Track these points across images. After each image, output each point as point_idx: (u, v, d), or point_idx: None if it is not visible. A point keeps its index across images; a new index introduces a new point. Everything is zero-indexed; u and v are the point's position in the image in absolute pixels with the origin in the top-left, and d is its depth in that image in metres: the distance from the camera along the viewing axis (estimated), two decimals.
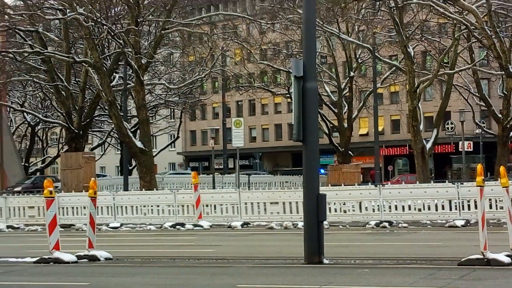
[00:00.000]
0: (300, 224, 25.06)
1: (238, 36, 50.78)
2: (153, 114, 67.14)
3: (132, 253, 19.64)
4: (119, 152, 71.75)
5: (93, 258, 17.62)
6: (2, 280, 14.88)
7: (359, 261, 16.35)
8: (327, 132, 54.96)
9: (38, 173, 74.39)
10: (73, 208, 30.26)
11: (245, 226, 27.65)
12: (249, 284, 13.16)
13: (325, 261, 15.59)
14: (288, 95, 56.79)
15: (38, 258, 17.62)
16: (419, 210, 26.68)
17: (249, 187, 50.46)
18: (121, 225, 29.11)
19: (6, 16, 42.05)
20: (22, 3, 44.90)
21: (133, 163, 56.42)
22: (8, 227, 30.14)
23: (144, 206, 29.96)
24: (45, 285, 13.93)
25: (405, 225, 25.71)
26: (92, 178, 19.99)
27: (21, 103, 68.02)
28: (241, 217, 28.29)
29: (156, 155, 45.85)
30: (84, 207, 29.28)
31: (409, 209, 26.80)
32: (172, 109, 76.80)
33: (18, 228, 30.23)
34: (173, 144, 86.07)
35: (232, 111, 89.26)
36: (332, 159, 71.78)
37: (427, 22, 46.20)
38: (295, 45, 56.47)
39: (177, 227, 28.07)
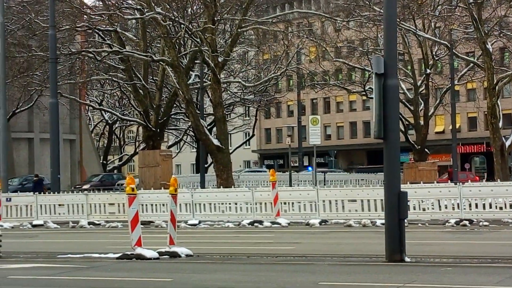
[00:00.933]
0: (379, 222, 24.94)
1: (313, 33, 50.71)
2: (229, 112, 67.55)
3: (212, 250, 19.75)
4: (195, 150, 72.48)
5: (174, 255, 17.78)
6: (88, 275, 15.16)
7: (440, 260, 16.15)
8: (403, 129, 54.49)
9: (115, 171, 75.54)
10: (152, 205, 30.61)
11: (323, 223, 27.58)
12: (331, 281, 13.13)
13: (407, 259, 15.46)
14: (364, 93, 56.51)
15: (120, 254, 17.87)
16: (500, 208, 26.25)
17: (324, 184, 50.36)
18: (200, 222, 29.32)
19: (86, 16, 42.83)
20: (101, 3, 45.67)
21: (209, 161, 56.90)
22: (89, 223, 30.64)
23: (222, 204, 30.15)
24: (128, 281, 14.11)
25: (486, 223, 25.29)
26: (173, 176, 20.18)
27: (99, 101, 69.22)
28: (319, 215, 28.22)
29: (231, 153, 46.06)
30: (163, 204, 29.64)
31: (490, 207, 26.38)
32: (247, 107, 77.18)
33: (99, 224, 30.68)
34: (248, 142, 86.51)
35: (307, 109, 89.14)
36: (408, 156, 71.15)
37: (506, 17, 45.44)
38: (370, 42, 56.15)
39: (255, 224, 28.14)
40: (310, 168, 46.21)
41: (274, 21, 45.04)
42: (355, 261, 16.45)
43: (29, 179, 49.70)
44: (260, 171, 67.34)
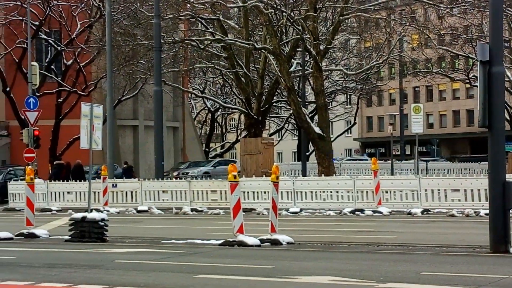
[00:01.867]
0: (483, 212, 24.51)
1: (416, 21, 49.97)
2: (331, 100, 67.36)
3: (313, 238, 19.80)
4: (296, 137, 72.57)
5: (276, 242, 17.91)
6: (191, 261, 15.42)
7: None
8: (508, 118, 53.31)
9: (217, 158, 76.20)
10: (253, 192, 30.85)
11: (425, 213, 27.30)
12: (434, 272, 12.99)
13: None
14: (467, 81, 55.47)
15: (223, 240, 18.11)
16: None
17: (427, 173, 49.74)
18: (301, 210, 29.41)
19: (189, 5, 43.34)
20: None
21: (310, 149, 56.91)
22: (192, 210, 31.11)
23: (323, 192, 30.16)
24: (231, 267, 14.29)
25: None
26: (275, 163, 20.30)
27: (202, 89, 69.99)
28: (421, 204, 27.94)
29: (332, 141, 45.94)
30: (265, 192, 29.84)
31: None
32: (349, 95, 76.79)
33: (202, 211, 31.13)
34: (349, 130, 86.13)
35: (409, 97, 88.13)
36: None
37: None
38: (475, 29, 55.00)
39: (356, 213, 28.08)
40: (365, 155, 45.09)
41: (376, 8, 44.56)
42: (458, 251, 16.25)
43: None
44: (362, 160, 67.02)
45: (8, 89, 50.82)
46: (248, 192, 30.71)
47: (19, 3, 49.33)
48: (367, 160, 60.67)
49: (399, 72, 63.13)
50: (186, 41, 45.26)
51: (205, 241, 18.79)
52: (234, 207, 17.90)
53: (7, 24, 51.70)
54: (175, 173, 51.19)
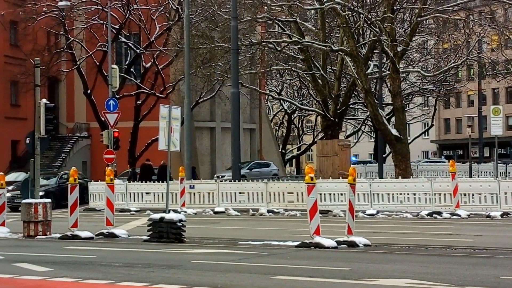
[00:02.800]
0: None
1: (495, 21, 49.19)
2: (408, 102, 66.82)
3: (390, 240, 19.70)
4: (373, 139, 72.14)
5: (352, 244, 17.89)
6: (268, 262, 15.51)
7: None
8: None
9: (294, 160, 76.38)
10: (330, 194, 30.80)
11: (505, 216, 26.87)
12: None
13: None
14: None
15: (299, 242, 18.16)
16: None
17: (506, 176, 48.96)
18: (377, 212, 29.27)
19: (266, 8, 43.52)
20: None
21: (387, 150, 56.54)
22: (268, 211, 31.23)
23: (400, 194, 29.95)
24: (307, 269, 14.32)
25: None
26: (352, 165, 20.26)
27: (278, 91, 70.17)
28: (501, 207, 27.53)
29: (410, 143, 45.57)
30: (341, 194, 29.78)
31: None
32: (426, 97, 76.05)
33: (278, 212, 31.21)
34: (426, 132, 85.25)
35: (488, 99, 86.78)
36: None
37: None
38: None
39: (434, 215, 27.82)
40: (353, 158, 43.89)
41: (455, 9, 44.07)
42: None
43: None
44: (439, 162, 66.25)
45: (89, 91, 51.80)
46: (324, 194, 30.67)
47: (100, 7, 50.23)
48: (444, 162, 59.95)
49: (478, 73, 62.21)
50: (263, 43, 45.43)
51: (281, 243, 18.86)
52: (311, 208, 17.93)
53: (88, 28, 52.71)
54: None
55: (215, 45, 43.88)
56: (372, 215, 28.95)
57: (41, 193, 37.55)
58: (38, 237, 22.51)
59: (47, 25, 53.59)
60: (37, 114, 24.93)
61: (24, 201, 23.60)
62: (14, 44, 56.79)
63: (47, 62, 51.12)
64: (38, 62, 26.98)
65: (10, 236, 23.27)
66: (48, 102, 25.73)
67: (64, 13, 50.71)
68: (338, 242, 17.90)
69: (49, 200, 24.20)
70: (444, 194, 28.74)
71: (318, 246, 17.60)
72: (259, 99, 65.84)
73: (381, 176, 43.34)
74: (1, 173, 26.02)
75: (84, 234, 21.69)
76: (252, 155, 66.91)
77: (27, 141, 25.59)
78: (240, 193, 33.31)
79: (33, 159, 25.20)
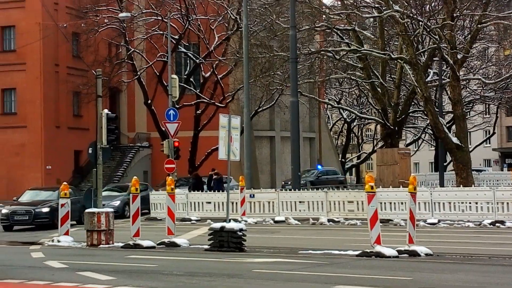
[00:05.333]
0: None
1: None
2: (468, 110, 66.12)
3: (451, 250, 19.50)
4: (433, 148, 71.53)
5: (413, 253, 17.77)
6: (328, 271, 15.50)
7: None
8: None
9: (353, 169, 76.07)
10: (390, 203, 30.59)
11: None
12: None
13: None
14: None
15: (360, 251, 18.10)
16: None
17: None
18: (439, 221, 28.98)
19: (324, 16, 43.51)
20: (339, 3, 46.17)
21: (448, 159, 55.98)
22: (329, 220, 31.15)
23: (462, 203, 29.59)
24: (368, 278, 14.28)
25: None
26: (412, 174, 20.13)
27: (338, 100, 70.03)
28: None
29: (471, 151, 45.05)
30: (402, 203, 29.56)
31: None
32: (487, 105, 75.18)
33: (338, 221, 31.11)
34: (488, 140, 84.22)
35: None
36: None
37: None
38: None
39: (497, 224, 27.44)
40: (319, 167, 43.12)
41: None
42: None
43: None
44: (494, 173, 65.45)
45: (149, 101, 52.35)
46: (385, 203, 30.48)
47: (160, 18, 50.77)
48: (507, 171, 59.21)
49: None
50: (322, 52, 45.39)
51: (342, 252, 18.83)
52: (372, 217, 17.87)
53: (148, 39, 53.31)
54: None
55: (273, 54, 43.99)
56: (433, 224, 28.66)
57: (116, 203, 38.18)
58: (101, 246, 22.80)
59: (108, 36, 54.36)
60: (99, 124, 25.28)
61: (87, 210, 23.94)
62: (77, 55, 57.72)
63: (109, 73, 51.84)
64: (99, 73, 27.40)
65: (74, 245, 23.63)
66: (109, 112, 26.07)
67: (124, 24, 51.38)
68: (399, 251, 17.80)
69: (112, 210, 24.51)
70: (507, 203, 28.33)
71: (379, 255, 17.53)
72: (318, 108, 65.77)
73: (442, 185, 42.93)
74: (65, 182, 26.45)
75: (146, 243, 21.91)
76: (312, 164, 66.83)
77: (90, 151, 25.97)
78: (300, 202, 33.27)
79: (95, 169, 25.56)
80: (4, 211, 33.77)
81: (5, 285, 14.82)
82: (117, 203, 38.48)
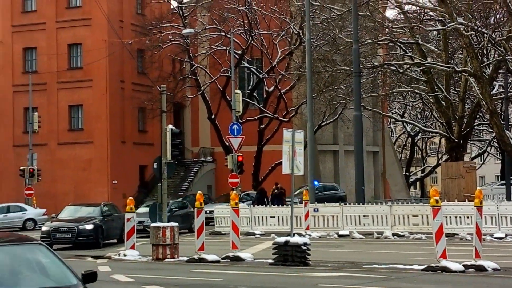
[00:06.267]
0: None
1: None
2: None
3: None
4: (499, 161, 70.50)
5: (480, 268, 17.55)
6: (393, 285, 15.44)
7: None
8: None
9: (418, 182, 75.40)
10: (456, 217, 30.26)
11: None
12: None
13: None
14: None
15: (425, 266, 17.97)
16: None
17: None
18: (506, 235, 28.55)
19: (387, 30, 43.35)
20: (402, 16, 46.01)
21: None
22: (393, 234, 30.94)
23: None
24: None
25: None
26: (478, 188, 19.93)
27: (401, 113, 69.59)
28: None
29: None
30: (467, 217, 29.17)
31: None
32: None
33: (403, 235, 30.88)
34: None
35: None
36: None
37: None
38: None
39: None
40: (316, 183, 41.59)
41: None
42: None
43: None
44: None
45: (213, 116, 52.75)
46: (450, 217, 30.14)
47: (223, 34, 51.19)
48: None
49: None
50: (385, 66, 45.21)
51: (407, 266, 18.71)
52: (437, 232, 17.73)
53: (212, 54, 53.77)
54: None
55: (336, 68, 43.97)
56: (501, 238, 28.25)
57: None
58: (166, 260, 23.03)
59: (172, 53, 55.03)
60: (163, 139, 25.56)
61: (152, 224, 24.21)
62: (141, 71, 58.53)
63: (173, 88, 52.43)
64: (164, 88, 27.72)
65: (139, 259, 23.92)
66: (174, 127, 26.35)
67: (188, 40, 51.94)
68: (466, 266, 17.62)
69: (176, 224, 24.73)
70: None
71: (445, 270, 17.37)
72: (382, 121, 65.47)
73: (508, 198, 42.28)
74: (131, 197, 26.80)
75: (210, 257, 22.06)
76: (376, 178, 66.49)
77: (155, 166, 26.25)
78: (364, 216, 33.14)
79: (160, 184, 25.84)
80: (44, 228, 31.65)
81: None
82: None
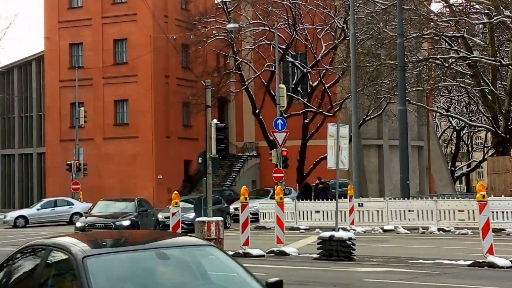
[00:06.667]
0: None
1: None
2: None
3: None
4: None
5: None
6: (440, 281, 15.35)
7: None
8: None
9: (463, 177, 74.79)
10: (503, 212, 29.97)
11: None
12: None
13: None
14: None
15: (472, 261, 17.84)
16: None
17: None
18: None
19: (432, 24, 43.04)
20: (447, 10, 45.63)
21: None
22: (439, 229, 30.74)
23: None
24: None
25: None
26: None
27: (446, 108, 69.07)
28: None
29: None
30: None
31: None
32: None
33: (449, 231, 30.66)
34: None
35: None
36: None
37: None
38: None
39: None
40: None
41: None
42: None
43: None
44: None
45: (257, 111, 52.82)
46: (497, 212, 29.84)
47: (267, 28, 51.22)
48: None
49: None
50: (430, 60, 44.90)
51: (453, 262, 18.58)
52: (483, 227, 17.61)
53: (256, 49, 53.83)
54: None
55: (381, 62, 43.75)
56: None
57: (191, 216, 37.82)
58: None
59: (217, 47, 55.19)
60: (208, 134, 25.64)
61: (197, 219, 24.32)
62: (186, 66, 58.80)
63: (217, 83, 52.61)
64: (208, 83, 27.82)
65: None
66: (218, 122, 26.42)
67: (232, 35, 52.06)
68: None
69: (221, 219, 24.81)
70: None
71: (492, 265, 17.24)
72: (427, 116, 65.00)
73: None
74: (176, 192, 26.94)
75: (255, 251, 22.13)
76: (421, 172, 66.07)
77: (199, 161, 26.34)
78: (409, 211, 32.96)
79: (205, 178, 25.95)
80: (79, 224, 29.73)
81: None
82: (191, 215, 38.40)
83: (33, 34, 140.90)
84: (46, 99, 63.70)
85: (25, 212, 48.63)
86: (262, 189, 49.59)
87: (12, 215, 47.96)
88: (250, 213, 25.37)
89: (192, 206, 39.91)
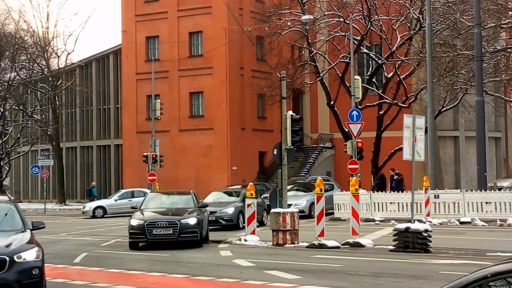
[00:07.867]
0: None
1: None
2: None
3: None
4: None
5: None
6: None
7: None
8: None
9: None
10: None
11: None
12: None
13: None
14: None
15: None
16: None
17: None
18: None
19: (511, 13, 42.30)
20: None
21: None
22: None
23: None
24: None
25: None
26: None
27: None
28: None
29: None
30: None
31: None
32: None
33: None
34: None
35: None
36: None
37: None
38: None
39: None
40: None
41: None
42: None
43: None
44: None
45: (332, 102, 52.70)
46: None
47: (342, 20, 51.00)
48: None
49: None
50: (508, 50, 44.16)
51: None
52: None
53: (330, 40, 53.67)
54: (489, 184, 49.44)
55: (457, 53, 43.21)
56: None
57: (302, 203, 38.25)
58: (286, 245, 23.26)
59: (291, 39, 55.19)
60: (283, 125, 25.76)
61: (272, 210, 24.48)
62: (261, 58, 58.96)
63: (292, 75, 52.59)
64: (283, 75, 27.92)
65: (260, 244, 24.22)
66: (294, 113, 26.50)
67: (307, 27, 51.97)
68: None
69: (296, 210, 24.91)
70: None
71: None
72: (505, 107, 63.89)
73: None
74: (251, 183, 27.14)
75: (330, 243, 22.17)
76: (498, 164, 65.06)
77: (275, 152, 26.50)
78: (486, 203, 32.56)
79: (280, 170, 26.07)
80: (135, 222, 24.13)
81: (198, 281, 15.49)
82: (303, 203, 38.83)
83: (110, 28, 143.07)
84: (123, 91, 64.73)
85: (103, 202, 49.68)
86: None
87: (91, 205, 49.02)
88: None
89: (304, 193, 40.04)
